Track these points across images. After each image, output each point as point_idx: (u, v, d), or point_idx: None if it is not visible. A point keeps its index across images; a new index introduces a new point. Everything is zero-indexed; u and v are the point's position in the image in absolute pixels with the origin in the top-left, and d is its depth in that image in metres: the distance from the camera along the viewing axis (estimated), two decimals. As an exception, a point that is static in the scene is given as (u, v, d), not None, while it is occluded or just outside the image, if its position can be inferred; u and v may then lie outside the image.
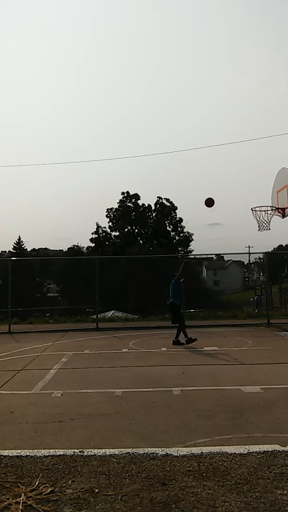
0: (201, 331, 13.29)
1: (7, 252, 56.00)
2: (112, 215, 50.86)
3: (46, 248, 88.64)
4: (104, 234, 50.53)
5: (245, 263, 73.57)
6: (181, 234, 50.74)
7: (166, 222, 50.86)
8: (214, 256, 78.17)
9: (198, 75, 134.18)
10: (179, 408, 5.35)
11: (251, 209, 13.82)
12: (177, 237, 50.62)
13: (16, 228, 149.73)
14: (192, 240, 50.64)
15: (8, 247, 56.29)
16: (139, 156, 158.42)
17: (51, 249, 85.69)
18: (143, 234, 50.67)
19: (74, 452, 3.88)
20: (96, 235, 50.00)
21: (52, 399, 5.89)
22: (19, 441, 4.32)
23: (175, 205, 51.09)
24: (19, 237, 54.43)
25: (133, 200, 51.21)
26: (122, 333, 13.26)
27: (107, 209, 51.30)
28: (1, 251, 62.25)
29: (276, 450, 3.82)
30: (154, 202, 51.46)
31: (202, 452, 3.80)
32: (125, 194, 51.22)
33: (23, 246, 54.98)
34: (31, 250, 68.68)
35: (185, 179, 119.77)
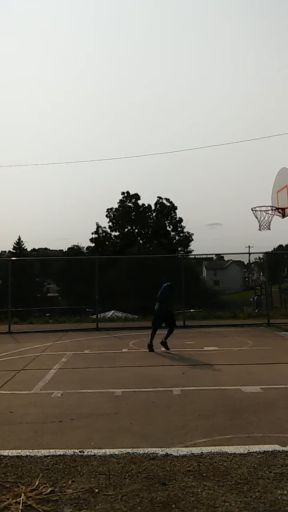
0: (201, 331, 13.30)
1: (7, 252, 55.98)
2: (112, 215, 50.82)
3: (46, 248, 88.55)
4: (104, 234, 50.48)
5: (245, 263, 73.51)
6: (181, 234, 50.67)
7: (166, 222, 50.81)
8: (214, 256, 77.98)
9: (198, 75, 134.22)
10: (179, 408, 5.35)
11: (251, 209, 13.85)
12: (177, 237, 50.55)
13: (16, 228, 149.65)
14: (192, 240, 50.61)
15: (8, 247, 56.29)
16: (139, 156, 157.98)
17: (51, 249, 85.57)
18: (143, 234, 50.62)
19: (74, 452, 3.88)
20: (96, 235, 49.95)
21: (52, 399, 5.89)
22: (19, 441, 4.32)
23: (175, 205, 51.10)
24: (19, 237, 54.40)
25: (133, 200, 51.17)
26: (122, 333, 13.27)
27: (107, 209, 51.27)
28: (1, 251, 62.22)
29: (276, 450, 3.82)
30: (154, 202, 51.47)
31: (202, 452, 3.80)
32: (125, 194, 51.19)
33: (23, 246, 54.96)
34: (31, 250, 68.58)
35: (185, 179, 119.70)
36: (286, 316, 16.18)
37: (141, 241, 48.57)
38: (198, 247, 64.55)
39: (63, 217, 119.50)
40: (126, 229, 50.46)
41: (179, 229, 50.86)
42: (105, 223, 51.14)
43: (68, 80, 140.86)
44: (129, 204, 51.16)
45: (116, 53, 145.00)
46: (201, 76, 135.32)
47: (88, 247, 49.91)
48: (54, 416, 5.10)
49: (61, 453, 3.86)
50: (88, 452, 3.88)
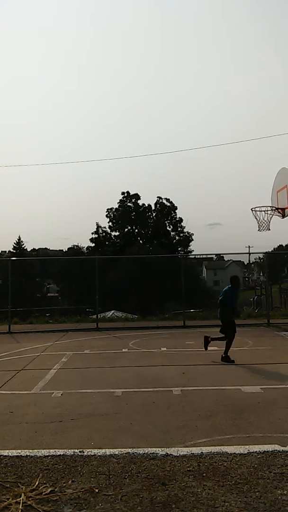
0: (201, 331, 13.28)
1: (7, 252, 55.89)
2: (112, 215, 50.82)
3: (46, 248, 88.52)
4: (104, 234, 50.48)
5: (245, 263, 73.48)
6: (181, 234, 50.66)
7: (166, 222, 50.81)
8: (214, 256, 77.87)
9: (198, 75, 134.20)
10: (179, 408, 5.35)
11: (251, 209, 13.84)
12: (177, 237, 50.55)
13: (16, 228, 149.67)
14: (192, 240, 50.62)
15: (8, 247, 56.17)
16: (139, 156, 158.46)
17: (51, 249, 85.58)
18: (143, 234, 50.61)
19: (74, 452, 3.88)
20: (96, 235, 49.94)
21: (52, 399, 5.89)
22: (19, 441, 4.32)
23: (175, 205, 51.10)
24: (19, 237, 54.25)
25: (133, 200, 51.17)
26: (122, 333, 13.26)
27: (107, 209, 51.27)
28: (1, 251, 62.16)
29: (276, 450, 3.81)
30: (154, 202, 51.47)
31: (202, 452, 3.80)
32: (125, 194, 51.19)
33: (23, 246, 54.84)
34: (31, 250, 68.49)
35: (185, 179, 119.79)
36: (286, 316, 16.18)
37: (141, 241, 48.57)
38: (198, 247, 64.62)
39: (63, 217, 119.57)
40: (126, 229, 50.45)
41: (179, 229, 50.85)
42: (105, 223, 51.21)
43: (68, 80, 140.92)
44: (129, 204, 51.16)
45: (116, 53, 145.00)
46: (201, 76, 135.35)
47: (88, 247, 49.94)
48: (54, 416, 5.10)
49: (61, 453, 3.86)
50: (88, 452, 3.88)
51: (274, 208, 13.74)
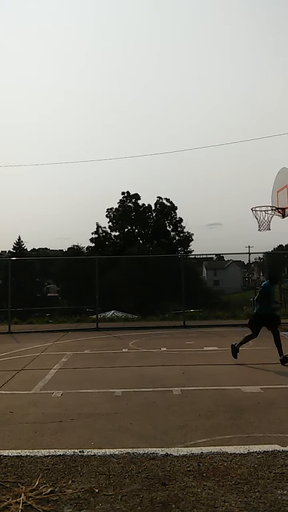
0: (201, 331, 13.30)
1: (7, 252, 55.96)
2: (112, 215, 50.82)
3: (46, 248, 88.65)
4: (104, 234, 50.48)
5: (245, 263, 73.46)
6: (181, 234, 50.67)
7: (166, 222, 50.81)
8: (214, 256, 78.10)
9: (198, 75, 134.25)
10: (179, 408, 5.34)
11: (252, 209, 13.86)
12: (177, 237, 50.56)
13: (16, 228, 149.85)
14: (192, 240, 50.64)
15: (8, 247, 56.25)
16: (139, 156, 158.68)
17: (51, 249, 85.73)
18: (143, 234, 50.61)
19: (74, 452, 3.88)
20: (96, 235, 49.95)
21: (52, 399, 5.89)
22: (19, 441, 4.32)
23: (175, 205, 51.10)
24: (19, 237, 54.35)
25: (133, 200, 51.17)
26: (122, 333, 13.26)
27: (107, 209, 51.29)
28: (1, 251, 62.22)
29: (276, 450, 3.81)
30: (154, 202, 51.47)
31: (202, 452, 3.80)
32: (125, 194, 51.19)
33: (23, 246, 54.91)
34: (31, 250, 68.55)
35: (185, 179, 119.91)
36: (286, 316, 16.17)
37: (141, 241, 48.58)
38: (198, 247, 64.72)
39: (63, 217, 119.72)
40: (126, 229, 50.46)
41: (179, 229, 50.86)
42: (105, 223, 51.22)
43: (68, 80, 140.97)
44: (129, 204, 51.16)
45: (116, 53, 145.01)
46: (201, 76, 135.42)
47: (88, 247, 49.95)
48: (54, 416, 5.09)
49: (61, 453, 3.86)
50: (88, 452, 3.88)
51: (274, 208, 13.76)
